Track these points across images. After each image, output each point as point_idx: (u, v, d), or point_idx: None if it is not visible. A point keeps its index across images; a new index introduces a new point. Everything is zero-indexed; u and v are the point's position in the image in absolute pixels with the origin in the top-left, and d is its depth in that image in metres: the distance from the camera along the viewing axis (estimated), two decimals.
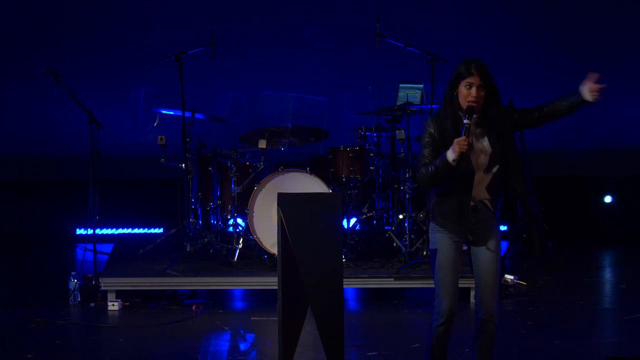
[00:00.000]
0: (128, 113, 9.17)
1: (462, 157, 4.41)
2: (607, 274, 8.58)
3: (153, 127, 8.13)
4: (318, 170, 7.63)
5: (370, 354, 5.73)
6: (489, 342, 4.76)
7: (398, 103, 7.99)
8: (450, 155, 4.40)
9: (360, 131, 7.74)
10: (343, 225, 7.61)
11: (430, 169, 4.46)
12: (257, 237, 7.37)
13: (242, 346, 6.08)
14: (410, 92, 8.02)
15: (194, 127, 7.63)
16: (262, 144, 7.54)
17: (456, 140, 4.39)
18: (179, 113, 7.52)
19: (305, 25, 9.15)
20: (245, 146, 7.92)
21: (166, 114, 7.92)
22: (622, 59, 9.50)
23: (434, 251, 4.71)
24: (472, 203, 4.54)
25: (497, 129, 4.57)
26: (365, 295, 7.45)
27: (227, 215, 7.73)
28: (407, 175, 7.56)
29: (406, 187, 7.55)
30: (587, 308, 7.03)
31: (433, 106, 7.48)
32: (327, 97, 8.56)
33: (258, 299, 7.34)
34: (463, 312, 6.94)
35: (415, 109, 7.75)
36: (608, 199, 10.01)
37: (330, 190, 7.41)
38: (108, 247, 8.60)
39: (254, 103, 8.77)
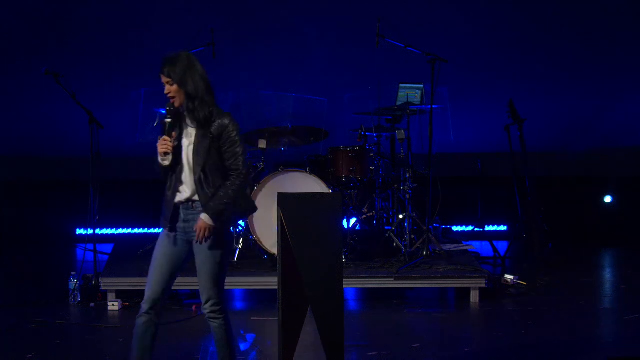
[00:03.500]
0: (128, 113, 9.17)
1: (168, 155, 4.47)
2: (607, 274, 8.58)
3: (153, 127, 8.11)
4: (318, 170, 7.63)
5: (370, 354, 5.73)
6: (221, 337, 4.67)
7: (398, 103, 7.99)
8: (159, 156, 4.49)
9: (360, 131, 7.74)
10: (343, 225, 7.61)
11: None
12: (257, 237, 7.37)
13: (242, 346, 6.08)
14: (410, 92, 8.02)
15: None
16: (262, 144, 7.54)
17: (160, 140, 4.48)
18: None
19: (305, 25, 9.14)
20: (245, 146, 7.90)
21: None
22: (622, 59, 9.50)
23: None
24: (181, 199, 4.55)
25: (200, 133, 4.52)
26: (365, 295, 7.45)
27: None
28: (407, 175, 7.56)
29: (406, 187, 7.54)
30: (587, 308, 7.03)
31: (433, 106, 7.49)
32: (327, 97, 8.56)
33: (258, 299, 7.34)
34: (463, 312, 6.95)
35: (415, 109, 7.75)
36: (608, 199, 10.01)
37: (330, 190, 7.41)
38: (108, 247, 8.60)
39: (254, 103, 8.77)
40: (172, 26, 8.98)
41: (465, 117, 9.38)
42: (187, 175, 4.55)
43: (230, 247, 4.76)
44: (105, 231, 9.51)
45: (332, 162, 7.70)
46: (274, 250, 7.16)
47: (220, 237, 4.59)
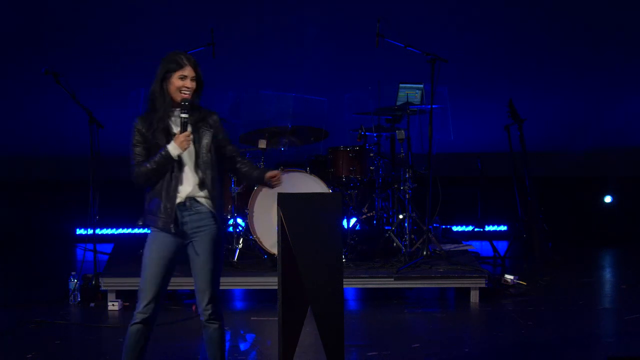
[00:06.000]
0: (128, 113, 9.15)
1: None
2: (607, 274, 8.58)
3: None
4: (318, 170, 7.63)
5: (370, 354, 5.74)
6: (219, 340, 4.63)
7: (398, 103, 7.99)
8: (175, 150, 4.44)
9: (360, 131, 7.74)
10: (343, 225, 7.61)
11: (149, 165, 4.47)
12: (257, 237, 7.37)
13: (242, 346, 6.08)
14: (410, 92, 8.02)
15: None
16: (262, 144, 7.54)
17: (180, 136, 4.44)
18: None
19: (305, 25, 9.15)
20: (245, 146, 7.92)
21: None
22: (622, 59, 9.50)
23: (146, 250, 4.63)
24: (180, 199, 4.51)
25: (202, 129, 4.56)
26: (365, 295, 7.45)
27: (227, 215, 7.73)
28: (407, 175, 7.56)
29: (406, 187, 7.54)
30: (587, 308, 7.03)
31: (433, 106, 7.49)
32: (327, 97, 8.56)
33: (258, 299, 7.34)
34: (463, 312, 6.95)
35: (415, 109, 7.75)
36: (608, 199, 10.01)
37: (330, 190, 7.41)
38: (108, 247, 8.60)
39: (254, 103, 8.76)
40: (172, 26, 8.98)
41: (465, 117, 9.38)
42: (186, 173, 4.52)
43: (224, 248, 4.75)
44: (105, 231, 9.51)
45: (332, 162, 7.70)
46: (274, 250, 7.16)
47: (220, 236, 4.58)
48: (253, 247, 7.59)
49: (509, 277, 7.41)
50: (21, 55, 9.07)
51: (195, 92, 4.57)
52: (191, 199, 4.52)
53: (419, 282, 7.12)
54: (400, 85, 8.12)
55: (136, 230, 9.69)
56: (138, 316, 4.52)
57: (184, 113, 4.48)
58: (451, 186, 8.41)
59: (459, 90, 9.16)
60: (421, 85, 8.04)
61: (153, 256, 4.57)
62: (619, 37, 9.39)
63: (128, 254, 7.92)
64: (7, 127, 9.39)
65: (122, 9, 9.02)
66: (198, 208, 4.53)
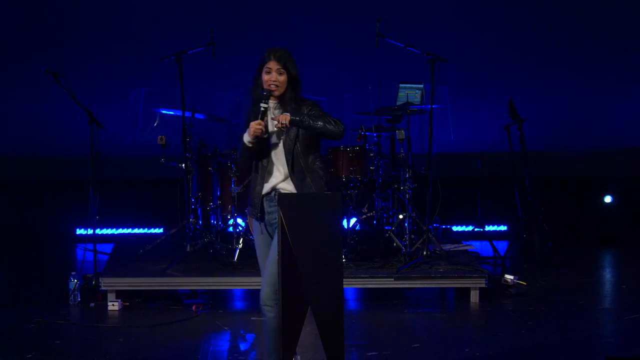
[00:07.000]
0: (128, 113, 9.17)
1: (259, 140, 4.63)
2: (607, 274, 8.58)
3: (153, 127, 8.13)
4: None
5: (370, 354, 5.74)
6: (275, 326, 4.72)
7: (398, 103, 7.99)
8: (246, 137, 4.65)
9: (360, 131, 7.74)
10: (343, 225, 7.61)
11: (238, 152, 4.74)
12: None
13: (242, 346, 6.08)
14: (410, 92, 8.02)
15: (194, 127, 7.63)
16: None
17: (251, 123, 4.62)
18: (179, 113, 7.52)
19: (305, 25, 9.15)
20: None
21: (166, 114, 7.92)
22: (622, 59, 9.50)
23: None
24: (266, 191, 4.68)
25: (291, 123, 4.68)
26: (365, 295, 7.45)
27: (227, 215, 7.73)
28: (407, 175, 7.56)
29: (406, 187, 7.54)
30: (587, 308, 7.03)
31: (433, 106, 7.49)
32: (327, 97, 8.56)
33: (258, 299, 7.30)
34: (463, 312, 6.95)
35: (415, 109, 7.76)
36: (608, 199, 10.01)
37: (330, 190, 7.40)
38: (108, 247, 8.60)
39: None
40: (172, 26, 8.98)
41: (465, 117, 9.38)
42: (276, 165, 4.67)
43: None
44: (105, 231, 9.51)
45: (332, 162, 7.70)
46: None
47: None
48: (253, 247, 7.57)
49: (509, 277, 7.41)
50: (21, 55, 9.07)
51: (289, 86, 4.73)
52: (276, 190, 4.68)
53: (419, 282, 7.12)
54: (400, 85, 8.12)
55: (136, 230, 9.69)
56: (266, 302, 4.71)
57: (263, 102, 4.64)
58: (451, 186, 8.41)
59: (459, 90, 9.16)
60: (421, 85, 8.04)
61: (256, 247, 4.88)
62: (619, 37, 9.38)
63: (128, 254, 7.92)
64: (7, 127, 9.39)
65: (122, 9, 9.02)
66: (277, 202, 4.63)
